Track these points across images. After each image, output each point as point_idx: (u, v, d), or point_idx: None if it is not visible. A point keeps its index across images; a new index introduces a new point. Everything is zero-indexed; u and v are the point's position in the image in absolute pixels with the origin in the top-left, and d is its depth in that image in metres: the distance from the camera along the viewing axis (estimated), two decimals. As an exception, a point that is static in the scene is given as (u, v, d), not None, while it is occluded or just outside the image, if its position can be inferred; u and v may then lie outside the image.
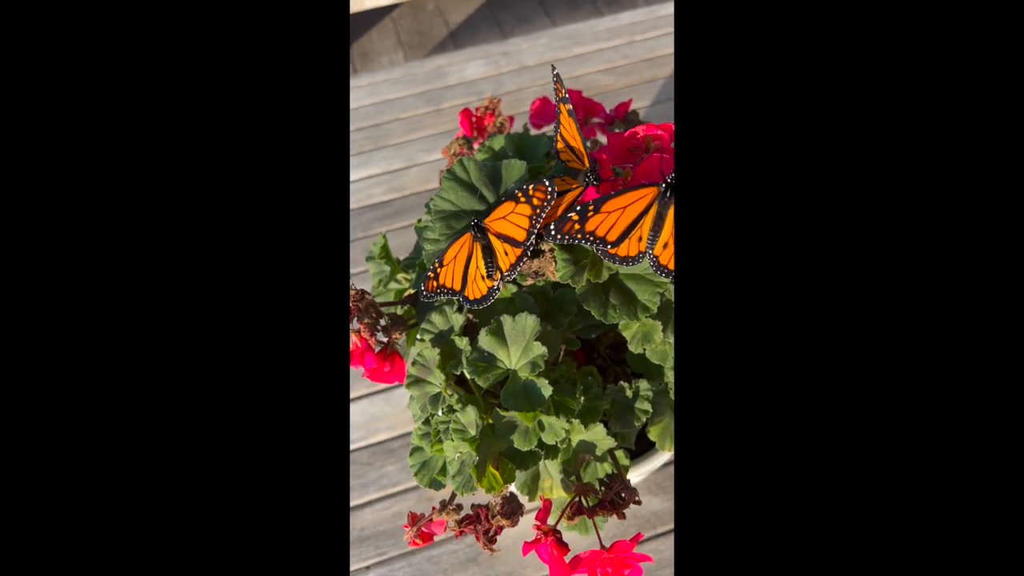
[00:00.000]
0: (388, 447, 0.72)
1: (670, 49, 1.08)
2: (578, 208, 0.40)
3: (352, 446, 0.72)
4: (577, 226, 0.40)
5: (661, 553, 0.64)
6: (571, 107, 0.44)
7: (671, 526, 0.66)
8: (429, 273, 0.44)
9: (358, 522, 0.68)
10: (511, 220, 0.42)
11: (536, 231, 0.41)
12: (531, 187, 0.40)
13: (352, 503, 0.69)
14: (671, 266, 0.41)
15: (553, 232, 0.40)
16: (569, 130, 0.44)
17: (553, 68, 0.45)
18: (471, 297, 0.44)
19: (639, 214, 0.40)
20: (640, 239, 0.41)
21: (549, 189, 0.40)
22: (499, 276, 0.43)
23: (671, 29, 1.11)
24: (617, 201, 0.40)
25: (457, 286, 0.44)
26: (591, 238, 0.40)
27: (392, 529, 0.67)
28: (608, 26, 1.12)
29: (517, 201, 0.41)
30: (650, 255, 0.41)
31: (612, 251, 0.41)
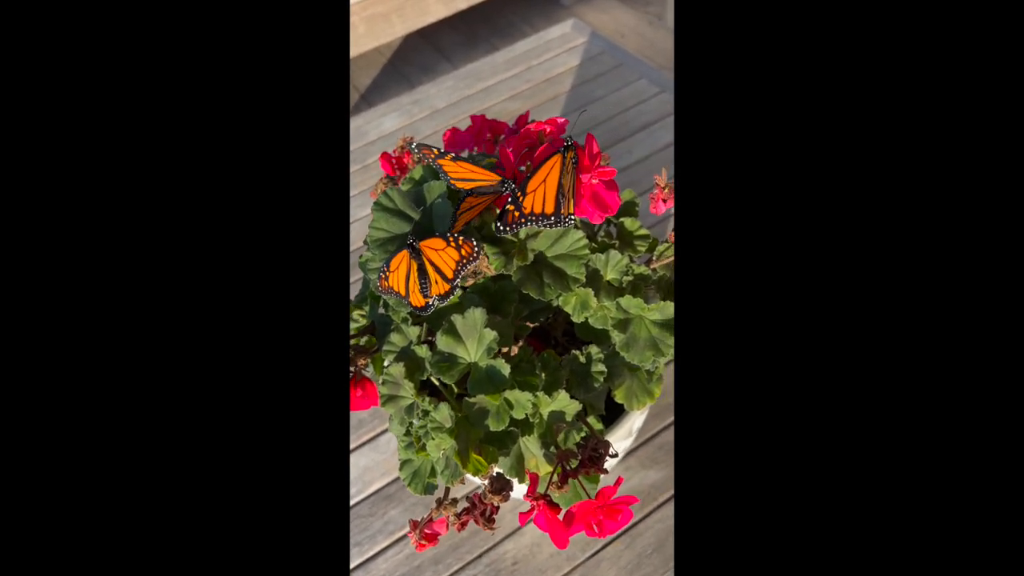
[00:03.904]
0: (386, 493, 0.72)
1: (565, 67, 1.15)
2: (509, 199, 0.45)
3: (351, 501, 0.72)
4: (516, 213, 0.45)
5: (664, 522, 0.67)
6: (452, 153, 0.49)
7: (671, 493, 0.69)
8: (381, 274, 0.48)
9: (375, 574, 0.67)
10: (442, 257, 0.47)
11: (460, 276, 0.46)
12: (461, 239, 0.46)
13: (364, 556, 0.68)
14: (567, 211, 0.46)
15: (502, 228, 0.45)
16: (462, 172, 0.49)
17: (412, 141, 0.50)
18: (414, 305, 0.48)
19: (557, 184, 0.45)
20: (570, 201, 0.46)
21: (476, 249, 0.45)
22: (433, 296, 0.47)
23: (562, 49, 1.18)
24: (535, 179, 0.45)
25: (403, 292, 0.48)
26: (533, 218, 0.45)
27: (410, 571, 0.67)
28: (505, 58, 1.19)
29: (448, 243, 0.46)
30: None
31: (554, 218, 0.46)
